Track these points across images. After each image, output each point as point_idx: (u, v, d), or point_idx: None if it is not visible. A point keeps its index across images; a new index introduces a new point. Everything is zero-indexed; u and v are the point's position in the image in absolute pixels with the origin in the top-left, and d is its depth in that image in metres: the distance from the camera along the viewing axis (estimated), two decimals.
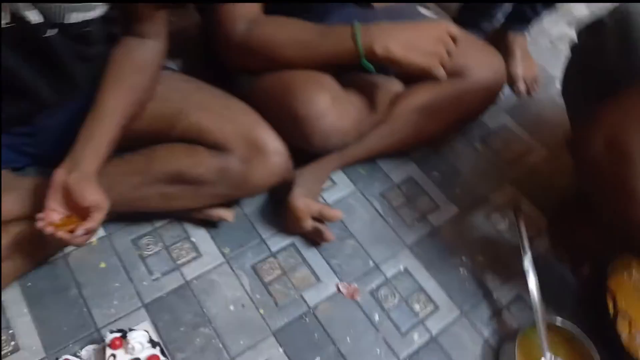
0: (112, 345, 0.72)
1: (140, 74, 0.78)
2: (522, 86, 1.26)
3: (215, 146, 0.79)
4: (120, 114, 0.75)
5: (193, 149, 0.80)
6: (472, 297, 0.91)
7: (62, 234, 0.68)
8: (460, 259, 0.96)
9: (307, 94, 0.82)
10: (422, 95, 0.96)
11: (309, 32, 0.82)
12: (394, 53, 0.79)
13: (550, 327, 0.83)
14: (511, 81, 1.25)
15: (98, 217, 0.69)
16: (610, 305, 0.86)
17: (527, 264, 0.85)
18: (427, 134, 1.02)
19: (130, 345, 0.72)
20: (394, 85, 0.99)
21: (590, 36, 0.84)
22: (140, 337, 0.73)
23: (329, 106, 0.82)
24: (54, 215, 0.69)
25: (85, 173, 0.70)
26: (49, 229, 0.67)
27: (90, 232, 0.70)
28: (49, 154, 0.81)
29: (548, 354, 0.81)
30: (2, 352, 0.76)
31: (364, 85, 0.92)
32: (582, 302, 0.92)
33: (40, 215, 0.68)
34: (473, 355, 0.85)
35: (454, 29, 0.83)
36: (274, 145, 0.81)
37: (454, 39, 0.83)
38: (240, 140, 0.79)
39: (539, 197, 1.07)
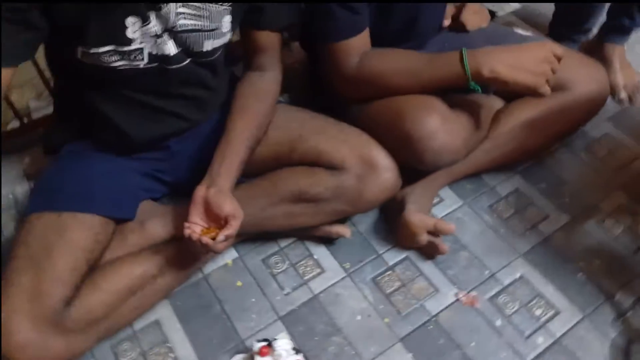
0: (261, 353, 0.81)
1: (262, 102, 0.90)
2: (623, 95, 1.25)
3: (332, 166, 0.88)
4: (247, 137, 0.85)
5: (312, 170, 0.89)
6: (593, 300, 0.92)
7: (206, 239, 0.77)
8: (576, 264, 0.96)
9: (418, 116, 0.89)
10: (526, 110, 1.00)
11: (417, 60, 0.90)
12: (501, 74, 0.84)
13: None
14: (612, 91, 1.25)
15: (235, 224, 0.78)
16: None
17: None
18: (531, 148, 1.05)
19: (277, 353, 0.80)
20: (495, 102, 1.05)
21: None
22: (285, 345, 0.81)
23: (439, 126, 0.89)
24: (196, 227, 0.79)
25: (221, 188, 0.80)
26: (195, 235, 0.78)
27: (228, 239, 0.79)
28: (181, 180, 0.94)
29: None
30: None
31: (468, 105, 0.97)
32: None
33: (186, 224, 0.79)
34: (601, 355, 0.86)
35: (559, 49, 0.87)
36: (385, 162, 0.89)
37: (558, 58, 0.87)
38: (354, 159, 0.88)
39: None
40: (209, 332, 0.90)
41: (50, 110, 1.15)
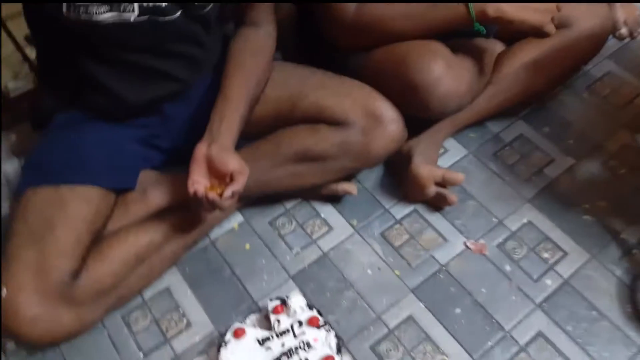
0: (275, 311, 0.82)
1: (258, 57, 0.87)
2: (624, 30, 1.22)
3: (335, 122, 0.86)
4: (246, 94, 0.83)
5: (315, 128, 0.87)
6: (599, 240, 0.93)
7: (212, 195, 0.76)
8: (582, 206, 0.97)
9: (422, 62, 0.86)
10: (529, 51, 0.98)
11: (417, 4, 0.87)
12: (507, 13, 0.81)
13: None
14: (613, 27, 1.22)
15: (242, 180, 0.77)
16: None
17: None
18: (535, 89, 1.04)
19: (292, 310, 0.81)
20: (497, 46, 1.02)
21: None
22: (299, 302, 0.82)
23: (444, 72, 0.86)
24: (199, 186, 0.77)
25: (224, 144, 0.79)
26: (201, 191, 0.76)
27: (235, 195, 0.77)
28: (178, 146, 0.92)
29: None
30: (179, 329, 0.87)
31: (470, 49, 0.95)
32: None
33: (190, 181, 0.76)
34: (607, 293, 0.87)
35: None
36: (390, 114, 0.87)
37: None
38: (358, 112, 0.86)
39: None
40: (221, 296, 0.90)
41: (30, 87, 1.12)
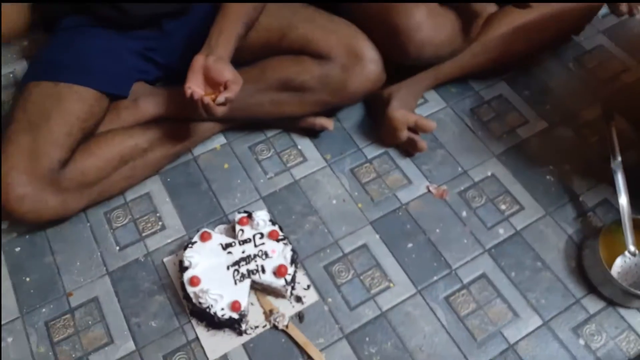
0: (241, 222, 0.88)
1: None
2: (624, 7, 1.23)
3: (319, 55, 0.91)
4: (244, 14, 0.87)
5: (299, 59, 0.92)
6: (557, 200, 0.97)
7: (207, 99, 0.80)
8: (547, 167, 1.01)
9: (405, 7, 0.89)
10: (519, 15, 1.00)
11: None
12: None
13: (636, 225, 0.87)
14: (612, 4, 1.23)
15: (235, 88, 0.81)
16: None
17: (616, 165, 0.89)
18: (521, 53, 1.06)
19: (255, 222, 0.87)
20: (489, 7, 1.04)
21: None
22: (263, 216, 0.88)
23: (425, 19, 0.90)
24: (196, 89, 0.81)
25: (221, 56, 0.83)
26: (197, 94, 0.80)
27: (228, 102, 0.81)
28: (173, 64, 0.97)
29: (632, 247, 0.85)
30: (154, 230, 0.94)
31: (460, 6, 0.97)
32: None
33: (187, 85, 0.81)
34: (555, 247, 0.92)
35: None
36: (370, 54, 0.91)
37: None
38: (341, 48, 0.90)
39: (633, 113, 1.07)
40: (196, 206, 0.97)
41: None
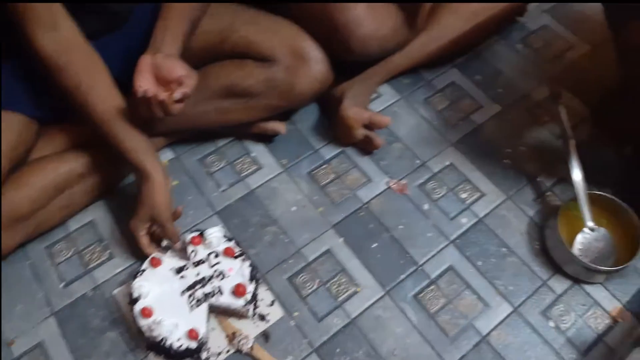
0: (192, 242, 0.83)
1: None
2: None
3: (262, 58, 0.87)
4: (188, 12, 0.81)
5: (242, 63, 0.88)
6: (516, 183, 0.96)
7: (163, 95, 0.73)
8: (503, 151, 1.00)
9: (344, 3, 0.86)
10: (463, 2, 0.99)
11: None
12: None
13: (593, 200, 0.87)
14: None
15: (191, 83, 0.75)
16: None
17: (569, 144, 0.88)
18: (469, 39, 1.06)
19: (208, 241, 0.83)
20: None
21: None
22: (216, 233, 0.83)
23: (365, 14, 0.87)
24: (148, 87, 0.74)
25: (169, 53, 0.77)
26: (151, 91, 0.73)
27: (184, 99, 0.75)
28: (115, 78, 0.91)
29: (590, 223, 0.85)
30: (101, 260, 0.88)
31: None
32: (624, 177, 0.95)
33: (137, 85, 0.73)
34: (518, 231, 0.91)
35: None
36: (315, 54, 0.88)
37: None
38: (285, 50, 0.86)
39: (581, 89, 1.08)
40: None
41: None
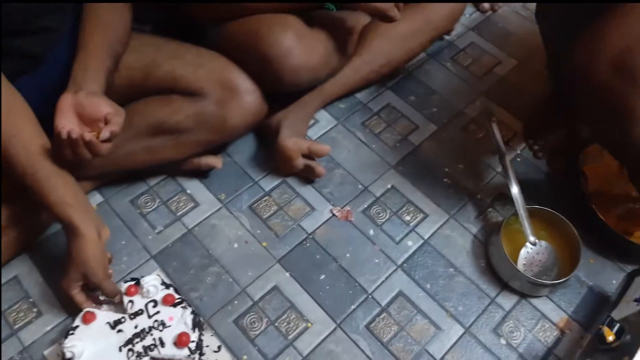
0: (128, 292, 0.78)
1: (117, 14, 0.81)
2: (486, 4, 1.28)
3: (189, 92, 0.83)
4: (108, 45, 0.77)
5: (168, 98, 0.84)
6: (458, 201, 0.97)
7: (89, 136, 0.68)
8: (443, 170, 1.01)
9: (272, 34, 0.85)
10: (391, 25, 0.99)
11: None
12: None
13: (531, 214, 0.88)
14: (476, 2, 1.28)
15: (119, 121, 0.71)
16: (584, 187, 0.92)
17: (504, 160, 0.90)
18: (401, 60, 1.06)
19: (145, 290, 0.77)
20: (362, 18, 1.03)
21: None
22: (153, 281, 0.78)
23: (294, 43, 0.85)
24: (72, 127, 0.69)
25: (92, 90, 0.72)
26: (76, 133, 0.67)
27: (113, 137, 0.71)
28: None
29: (532, 237, 0.87)
30: (29, 319, 0.80)
31: (329, 22, 0.94)
32: (558, 190, 0.98)
33: (59, 127, 0.68)
34: (464, 250, 0.91)
35: None
36: (245, 85, 0.85)
37: None
38: (213, 83, 0.83)
39: (511, 103, 1.11)
40: None
41: None
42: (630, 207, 0.91)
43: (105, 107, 0.71)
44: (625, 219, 0.91)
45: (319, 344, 0.81)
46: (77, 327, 0.74)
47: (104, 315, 0.76)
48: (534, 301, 0.87)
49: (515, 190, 0.88)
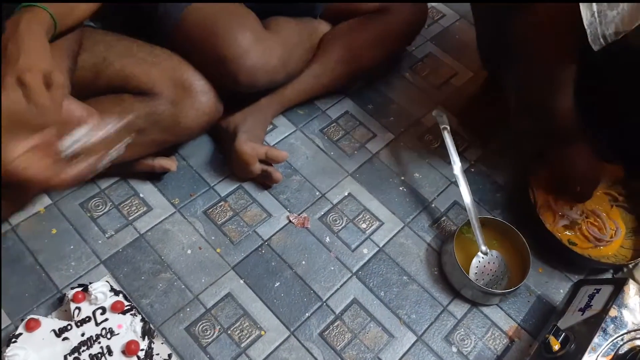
0: (75, 299, 0.75)
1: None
2: None
3: (141, 92, 0.81)
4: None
5: (119, 98, 0.82)
6: (413, 209, 0.98)
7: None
8: (399, 178, 1.02)
9: (229, 34, 0.84)
10: (353, 33, 1.01)
11: None
12: None
13: (484, 223, 0.90)
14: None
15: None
16: (532, 198, 0.95)
17: (457, 170, 0.92)
18: (360, 69, 1.07)
19: (93, 297, 0.75)
20: (321, 26, 1.03)
21: None
22: (101, 288, 0.75)
23: (251, 44, 0.85)
24: None
25: None
26: None
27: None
28: None
29: (483, 247, 0.89)
30: None
31: (289, 27, 0.94)
32: (510, 200, 1.01)
33: None
34: (418, 258, 0.93)
35: None
36: (200, 85, 0.84)
37: None
38: (166, 82, 0.82)
39: (465, 115, 1.13)
40: (20, 287, 0.81)
41: None
42: (574, 218, 0.95)
43: (77, 110, 0.68)
44: (570, 229, 0.95)
45: (272, 352, 0.80)
46: (20, 334, 0.71)
47: (49, 322, 0.73)
48: (485, 310, 0.89)
49: (468, 199, 0.90)
